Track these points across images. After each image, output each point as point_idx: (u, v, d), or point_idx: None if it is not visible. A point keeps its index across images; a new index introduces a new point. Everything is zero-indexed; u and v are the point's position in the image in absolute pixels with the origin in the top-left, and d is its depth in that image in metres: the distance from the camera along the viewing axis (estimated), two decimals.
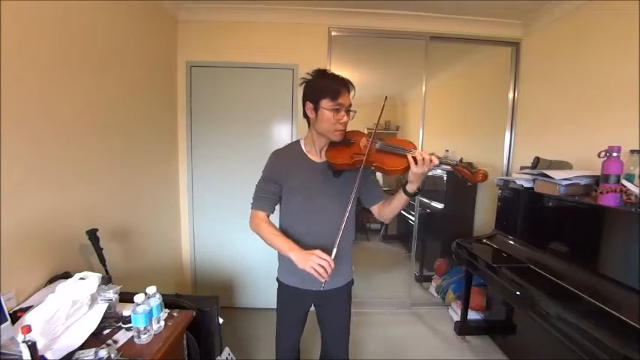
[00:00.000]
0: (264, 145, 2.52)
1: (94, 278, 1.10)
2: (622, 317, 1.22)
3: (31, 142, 1.20)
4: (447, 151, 3.40)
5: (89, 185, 1.53)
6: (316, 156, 1.21)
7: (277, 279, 1.33)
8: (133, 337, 0.99)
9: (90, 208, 1.52)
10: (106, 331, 1.03)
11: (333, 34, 2.49)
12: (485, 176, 0.99)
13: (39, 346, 0.86)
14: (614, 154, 1.47)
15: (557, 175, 1.72)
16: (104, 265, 1.42)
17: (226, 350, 1.57)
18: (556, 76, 2.20)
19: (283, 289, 1.30)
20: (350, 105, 1.11)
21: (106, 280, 1.21)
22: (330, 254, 0.99)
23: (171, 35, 2.38)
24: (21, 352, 0.82)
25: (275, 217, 1.24)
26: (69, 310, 1.00)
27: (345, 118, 1.10)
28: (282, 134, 2.54)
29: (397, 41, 2.61)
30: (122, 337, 1.01)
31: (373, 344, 2.24)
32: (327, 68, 2.43)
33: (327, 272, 0.96)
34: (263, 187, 1.20)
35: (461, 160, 1.03)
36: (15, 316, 1.00)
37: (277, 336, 1.35)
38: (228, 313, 2.54)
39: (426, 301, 2.88)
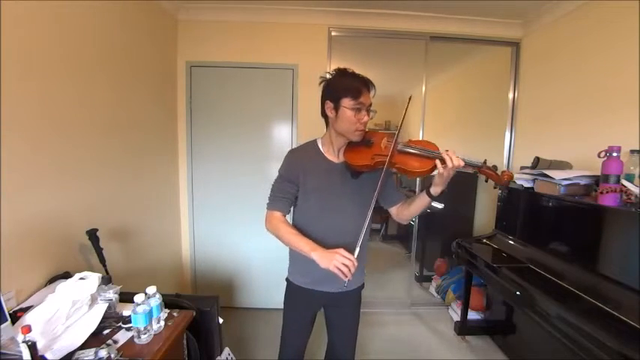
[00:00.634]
0: (264, 145, 2.52)
1: (94, 278, 1.10)
2: (622, 317, 1.22)
3: (31, 142, 1.20)
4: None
5: (89, 185, 1.53)
6: (334, 156, 1.18)
7: (287, 279, 1.30)
8: (133, 337, 0.99)
9: (90, 208, 1.52)
10: (106, 331, 1.03)
11: (333, 34, 2.49)
12: (510, 177, 0.98)
13: (39, 346, 0.86)
14: (614, 154, 1.47)
15: (557, 175, 1.72)
16: (104, 265, 1.42)
17: (226, 350, 1.57)
18: (556, 76, 2.20)
19: (293, 290, 1.27)
20: (370, 104, 1.09)
21: (106, 280, 1.21)
22: (352, 253, 0.98)
23: (171, 35, 2.38)
24: (21, 352, 0.82)
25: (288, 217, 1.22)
26: (69, 310, 1.00)
27: (366, 118, 1.07)
28: (282, 134, 2.54)
29: (397, 41, 2.61)
30: (122, 337, 1.01)
31: (373, 344, 2.24)
32: (327, 69, 2.47)
33: (350, 271, 0.94)
34: (280, 187, 1.17)
35: (485, 162, 1.01)
36: (15, 316, 1.00)
37: (283, 338, 1.31)
38: (228, 313, 2.54)
39: (426, 301, 2.88)
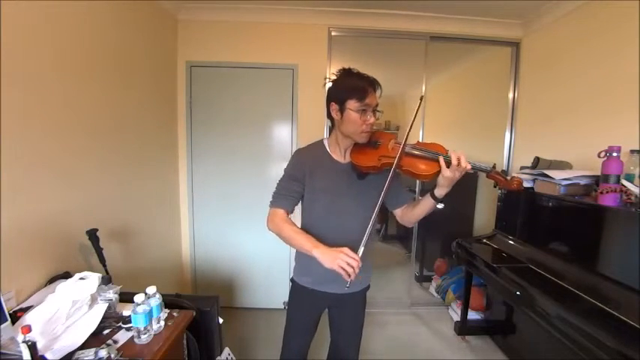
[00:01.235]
0: (264, 145, 2.52)
1: (94, 278, 1.10)
2: (622, 317, 1.22)
3: (31, 142, 1.20)
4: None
5: (89, 185, 1.53)
6: (341, 157, 1.17)
7: (292, 279, 1.29)
8: (133, 337, 0.99)
9: (90, 208, 1.52)
10: (106, 331, 1.03)
11: (333, 34, 2.49)
12: (520, 183, 0.97)
13: (39, 346, 0.86)
14: (614, 154, 1.47)
15: (557, 175, 1.72)
16: (104, 265, 1.42)
17: (226, 350, 1.57)
18: (556, 76, 2.20)
19: (298, 290, 1.26)
20: (377, 105, 1.07)
21: (106, 280, 1.21)
22: (356, 253, 0.96)
23: (171, 35, 2.38)
24: (21, 352, 0.82)
25: (295, 218, 1.20)
26: (69, 310, 1.00)
27: (372, 119, 1.05)
28: (282, 134, 2.54)
29: (397, 41, 2.61)
30: (122, 337, 1.01)
31: (373, 344, 2.24)
32: (327, 69, 2.47)
33: (355, 271, 0.92)
34: (286, 185, 1.15)
35: (494, 167, 1.00)
36: (15, 316, 1.00)
37: (285, 339, 1.30)
38: (228, 313, 2.54)
39: (426, 301, 2.88)
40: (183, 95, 2.48)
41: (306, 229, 1.14)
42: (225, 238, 2.61)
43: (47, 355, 0.88)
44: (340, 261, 0.93)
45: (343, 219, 1.13)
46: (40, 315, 0.96)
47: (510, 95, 2.63)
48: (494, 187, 1.02)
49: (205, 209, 2.60)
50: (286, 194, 1.14)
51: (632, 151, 1.55)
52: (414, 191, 2.75)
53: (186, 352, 1.27)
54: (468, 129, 3.41)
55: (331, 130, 1.19)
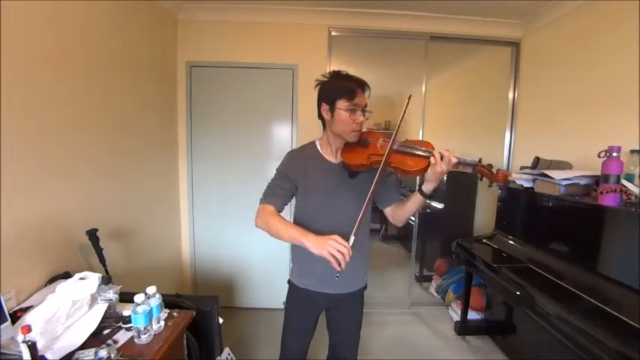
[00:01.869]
0: (264, 145, 2.52)
1: (94, 278, 1.10)
2: (622, 317, 1.22)
3: (31, 142, 1.20)
4: (448, 151, 3.39)
5: (89, 185, 1.53)
6: (332, 157, 1.19)
7: (289, 281, 1.30)
8: (133, 337, 0.99)
9: (90, 208, 1.52)
10: (106, 331, 1.03)
11: (333, 34, 2.49)
12: (505, 177, 0.99)
13: (39, 346, 0.86)
14: (614, 154, 1.47)
15: (557, 175, 1.72)
16: (104, 265, 1.42)
17: (226, 350, 1.57)
18: (556, 76, 2.20)
19: (295, 292, 1.27)
20: (366, 105, 1.10)
21: (106, 280, 1.21)
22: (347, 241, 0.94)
23: (171, 35, 2.38)
24: (21, 352, 0.82)
25: (288, 217, 1.20)
26: (69, 310, 1.00)
27: (361, 119, 1.08)
28: (282, 134, 2.54)
29: (397, 41, 2.61)
30: (122, 337, 1.01)
31: (373, 344, 2.24)
32: (327, 69, 2.47)
33: (345, 259, 0.91)
34: (277, 183, 1.17)
35: (480, 161, 1.02)
36: (15, 316, 1.00)
37: (284, 340, 1.30)
38: (228, 313, 2.54)
39: (426, 301, 2.88)
40: (183, 95, 2.48)
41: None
42: (225, 238, 2.61)
43: (47, 355, 0.88)
44: (330, 247, 0.91)
45: (336, 217, 1.13)
46: (40, 315, 0.96)
47: (510, 95, 2.63)
48: (480, 179, 1.04)
49: (205, 209, 2.60)
50: (276, 192, 1.15)
51: (632, 151, 1.55)
52: (413, 191, 2.75)
53: (186, 352, 1.27)
54: (468, 129, 3.41)
55: (323, 131, 1.21)
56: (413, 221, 2.89)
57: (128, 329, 1.03)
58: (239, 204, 2.55)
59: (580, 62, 2.00)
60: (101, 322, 1.04)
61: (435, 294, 2.96)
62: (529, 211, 2.01)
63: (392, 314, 2.66)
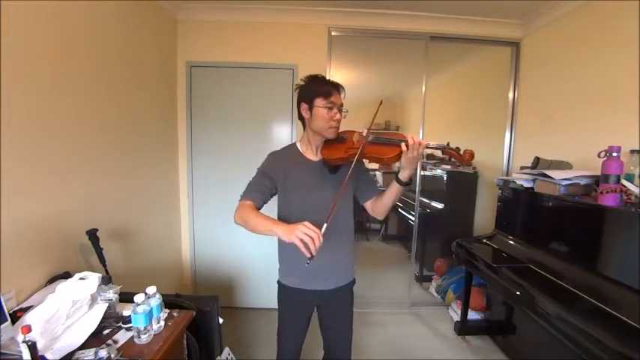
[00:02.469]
0: (264, 144, 2.52)
1: (94, 278, 1.10)
2: (622, 317, 1.22)
3: (31, 142, 1.20)
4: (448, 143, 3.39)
5: (89, 185, 1.53)
6: (313, 155, 1.24)
7: (278, 282, 1.32)
8: (133, 337, 0.99)
9: (90, 208, 1.52)
10: (106, 331, 1.03)
11: (333, 34, 2.49)
12: (472, 155, 1.08)
13: (39, 346, 0.86)
14: (614, 154, 1.47)
15: (557, 175, 1.72)
16: (104, 265, 1.42)
17: (226, 350, 1.57)
18: (556, 76, 2.20)
19: (285, 292, 1.29)
20: (342, 105, 1.17)
21: (106, 280, 1.21)
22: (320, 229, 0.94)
23: (171, 35, 2.38)
24: (21, 352, 0.82)
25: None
26: (69, 310, 1.00)
27: (338, 116, 1.16)
28: (282, 134, 2.54)
29: (397, 41, 2.61)
30: (122, 337, 1.01)
31: (373, 344, 2.24)
32: (327, 69, 2.48)
33: (314, 244, 0.90)
34: (257, 180, 1.22)
35: (447, 144, 1.11)
36: (15, 316, 1.00)
37: (279, 340, 1.33)
38: (228, 313, 2.54)
39: (426, 301, 2.88)
40: (183, 95, 2.48)
41: None
42: (225, 237, 2.61)
43: (47, 355, 0.88)
44: (299, 232, 0.91)
45: (320, 212, 1.12)
46: (40, 315, 0.96)
47: (510, 95, 2.63)
48: (449, 160, 1.13)
49: (205, 209, 2.60)
50: (256, 189, 1.19)
51: (632, 151, 1.55)
52: (414, 191, 2.75)
53: (186, 352, 1.27)
54: (468, 129, 3.41)
55: (303, 131, 1.27)
56: (413, 221, 2.90)
57: (128, 329, 1.03)
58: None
59: (580, 62, 2.00)
60: (101, 322, 1.04)
61: (435, 294, 2.96)
62: (529, 211, 2.01)
63: (392, 314, 2.66)
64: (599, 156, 1.52)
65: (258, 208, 1.16)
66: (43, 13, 1.24)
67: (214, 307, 1.44)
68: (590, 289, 1.42)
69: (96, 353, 0.90)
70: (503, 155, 2.68)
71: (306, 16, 2.42)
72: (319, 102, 1.13)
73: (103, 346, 0.93)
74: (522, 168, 2.16)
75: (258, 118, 2.53)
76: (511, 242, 2.08)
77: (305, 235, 0.90)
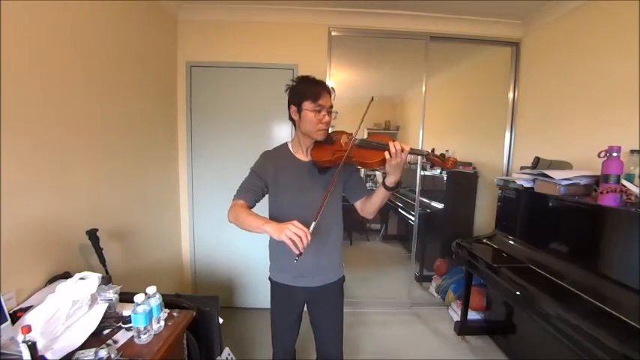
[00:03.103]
0: (264, 145, 2.47)
1: (94, 278, 1.10)
2: (622, 317, 1.22)
3: (31, 142, 1.20)
4: (447, 151, 3.40)
5: (89, 185, 1.53)
6: (303, 155, 1.26)
7: (269, 278, 1.35)
8: (133, 337, 0.99)
9: (90, 208, 1.52)
10: (106, 331, 1.03)
11: (333, 34, 2.49)
12: (454, 163, 1.08)
13: (39, 346, 0.86)
14: (614, 154, 1.47)
15: (557, 175, 1.72)
16: (104, 265, 1.42)
17: (226, 350, 1.57)
18: (556, 76, 2.20)
19: (275, 288, 1.33)
20: (331, 106, 1.18)
21: (106, 280, 1.21)
22: (308, 228, 0.98)
23: (171, 35, 2.38)
24: (21, 352, 0.82)
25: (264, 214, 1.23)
26: (69, 310, 1.00)
27: (327, 118, 1.16)
28: (282, 134, 2.54)
29: (397, 41, 2.61)
30: (122, 337, 1.01)
31: (373, 344, 2.24)
32: (327, 69, 2.48)
33: (302, 242, 0.94)
34: (249, 180, 1.26)
35: (432, 150, 1.13)
36: (15, 316, 1.00)
37: (273, 337, 1.36)
38: (228, 313, 2.54)
39: (426, 301, 2.88)
40: (183, 95, 2.48)
41: None
42: (225, 238, 2.61)
43: (47, 355, 0.88)
44: (287, 231, 0.95)
45: (309, 211, 1.15)
46: (40, 315, 0.96)
47: (510, 95, 2.63)
48: (431, 167, 1.13)
49: (205, 209, 2.60)
50: (248, 188, 1.23)
51: (632, 151, 1.55)
52: (414, 191, 2.75)
53: (186, 352, 1.27)
54: (468, 129, 3.41)
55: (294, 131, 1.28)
56: (413, 221, 2.90)
57: (128, 329, 1.03)
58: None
59: (580, 62, 2.00)
60: (101, 322, 1.04)
61: (435, 294, 2.96)
62: (529, 211, 2.01)
63: (392, 314, 2.66)
64: (599, 156, 1.52)
65: (251, 207, 1.21)
66: (42, 14, 1.24)
67: (214, 307, 1.44)
68: (590, 289, 1.42)
69: (96, 353, 0.90)
70: (503, 155, 2.68)
71: (306, 16, 2.42)
72: (307, 105, 1.14)
73: (103, 346, 0.93)
74: (522, 168, 2.16)
75: (258, 118, 2.53)
76: (511, 242, 2.08)
77: (293, 233, 0.94)
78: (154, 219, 2.21)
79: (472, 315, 2.41)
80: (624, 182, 1.48)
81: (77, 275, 1.11)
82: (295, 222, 0.97)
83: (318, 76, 1.21)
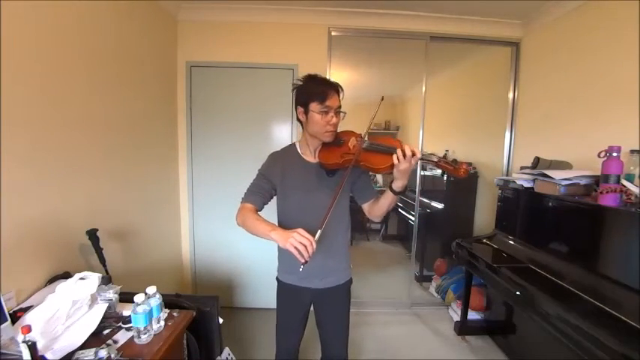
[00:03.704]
0: (264, 145, 2.52)
1: (94, 278, 1.10)
2: (622, 317, 1.22)
3: (31, 142, 1.20)
4: (447, 151, 3.40)
5: (89, 185, 1.53)
6: (311, 157, 1.24)
7: (277, 278, 1.34)
8: (133, 337, 0.99)
9: (90, 208, 1.52)
10: (106, 331, 1.03)
11: (333, 34, 2.49)
12: (466, 171, 1.01)
13: (39, 346, 0.86)
14: (614, 154, 1.47)
15: (557, 175, 1.72)
16: (104, 265, 1.42)
17: (226, 350, 1.57)
18: (556, 76, 2.20)
19: (282, 288, 1.32)
20: (339, 107, 1.14)
21: (106, 280, 1.21)
22: (314, 236, 0.97)
23: (171, 35, 2.38)
24: (21, 352, 0.82)
25: (272, 217, 1.23)
26: (69, 310, 1.00)
27: (335, 120, 1.13)
28: (282, 134, 2.54)
29: (397, 41, 2.61)
30: (122, 337, 1.01)
31: (373, 344, 2.24)
32: (327, 69, 2.47)
33: (307, 251, 0.93)
34: (257, 183, 1.24)
35: (444, 156, 1.04)
36: (15, 316, 1.00)
37: (277, 337, 1.36)
38: (228, 313, 2.54)
39: (426, 301, 2.88)
40: (183, 95, 2.48)
41: (281, 226, 1.17)
42: (225, 238, 2.61)
43: (47, 355, 0.88)
44: (293, 240, 0.94)
45: (316, 214, 1.13)
46: (40, 315, 0.96)
47: (510, 95, 2.63)
48: (442, 175, 1.08)
49: (205, 209, 2.60)
50: (256, 191, 1.21)
51: (632, 151, 1.55)
52: (414, 191, 2.75)
53: (186, 352, 1.27)
54: (468, 129, 3.41)
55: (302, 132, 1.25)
56: (413, 221, 2.89)
57: (128, 329, 1.03)
58: (239, 204, 2.55)
59: (580, 62, 2.00)
60: (101, 322, 1.04)
61: (435, 294, 2.96)
62: (529, 211, 2.01)
63: (392, 314, 2.66)
64: (599, 156, 1.52)
65: (259, 210, 1.19)
66: (42, 14, 1.24)
67: (214, 307, 1.44)
68: (590, 289, 1.42)
69: (96, 353, 0.90)
70: (503, 155, 2.68)
71: (306, 16, 2.42)
72: (314, 106, 1.11)
73: (103, 346, 0.93)
74: (522, 168, 2.16)
75: (258, 118, 2.53)
76: (511, 242, 2.08)
77: (298, 242, 0.94)
78: (154, 219, 2.21)
79: (472, 315, 2.41)
80: (624, 182, 1.48)
81: (77, 275, 1.10)
82: (300, 230, 0.96)
83: None
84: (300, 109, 1.16)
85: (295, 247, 0.94)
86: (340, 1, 2.29)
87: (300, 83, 1.17)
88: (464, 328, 2.35)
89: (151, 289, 1.05)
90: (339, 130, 1.20)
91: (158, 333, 1.04)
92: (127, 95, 1.82)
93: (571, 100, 2.05)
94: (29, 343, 0.81)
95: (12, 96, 1.11)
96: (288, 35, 2.46)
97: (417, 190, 2.81)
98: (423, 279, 3.22)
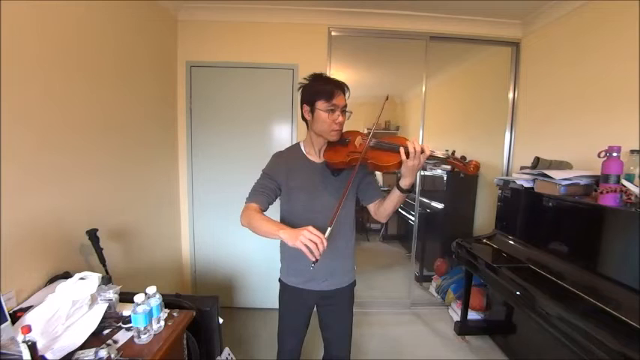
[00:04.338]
0: (264, 144, 2.52)
1: (94, 278, 1.10)
2: (622, 317, 1.22)
3: (31, 142, 1.20)
4: (447, 151, 3.40)
5: (89, 185, 1.53)
6: (316, 157, 1.23)
7: (280, 280, 1.33)
8: (133, 337, 0.99)
9: (90, 208, 1.52)
10: (106, 331, 1.03)
11: (333, 34, 2.49)
12: (476, 167, 1.00)
13: (39, 346, 0.86)
14: (614, 154, 1.47)
15: (557, 175, 1.72)
16: (104, 265, 1.42)
17: (226, 350, 1.57)
18: (556, 76, 2.20)
19: (286, 290, 1.30)
20: (345, 106, 1.14)
21: (106, 280, 1.21)
22: (323, 233, 0.94)
23: (171, 35, 2.38)
24: (21, 352, 0.82)
25: (274, 218, 1.22)
26: (69, 310, 1.00)
27: (341, 119, 1.13)
28: (282, 134, 2.54)
29: (397, 41, 2.61)
30: (122, 337, 1.01)
31: (373, 344, 2.24)
32: (327, 69, 2.47)
33: (318, 249, 0.91)
34: (261, 182, 1.22)
35: (453, 153, 1.03)
36: (15, 316, 1.00)
37: (279, 338, 1.34)
38: (228, 313, 2.54)
39: (426, 301, 2.88)
40: (183, 95, 2.48)
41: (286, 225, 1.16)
42: (225, 238, 2.61)
43: (47, 355, 0.88)
44: (303, 237, 0.91)
45: (320, 214, 1.14)
46: (40, 315, 0.96)
47: (510, 95, 2.63)
48: (452, 170, 1.06)
49: (205, 209, 2.60)
50: (261, 191, 1.19)
51: (632, 151, 1.55)
52: (414, 191, 2.75)
53: (186, 352, 1.27)
54: (468, 129, 3.41)
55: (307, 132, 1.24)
56: (413, 221, 2.89)
57: (128, 329, 1.03)
58: (239, 204, 2.53)
59: (580, 62, 2.00)
60: (101, 322, 1.04)
61: (435, 294, 2.96)
62: (529, 211, 2.01)
63: (392, 314, 2.66)
64: (599, 156, 1.52)
65: (264, 210, 1.17)
66: (42, 14, 1.24)
67: (214, 307, 1.44)
68: (590, 289, 1.42)
69: (96, 353, 0.90)
70: (503, 155, 2.68)
71: (306, 16, 2.42)
72: (320, 105, 1.10)
73: (103, 346, 0.93)
74: (522, 168, 2.16)
75: (259, 118, 2.53)
76: (511, 242, 2.08)
77: (309, 240, 0.91)
78: (154, 219, 2.21)
79: (472, 315, 2.41)
80: (624, 182, 1.48)
81: (77, 275, 1.11)
82: (311, 228, 0.93)
83: None
84: (306, 108, 1.15)
85: (306, 245, 0.91)
86: (340, 1, 2.29)
87: (307, 82, 1.16)
88: (464, 328, 2.35)
89: (151, 289, 1.05)
90: (345, 130, 1.19)
91: (158, 333, 1.04)
92: (127, 95, 1.82)
93: (571, 99, 2.05)
94: (29, 343, 0.81)
95: (12, 96, 1.11)
96: (289, 35, 2.46)
97: (417, 190, 2.81)
98: (423, 279, 3.22)
